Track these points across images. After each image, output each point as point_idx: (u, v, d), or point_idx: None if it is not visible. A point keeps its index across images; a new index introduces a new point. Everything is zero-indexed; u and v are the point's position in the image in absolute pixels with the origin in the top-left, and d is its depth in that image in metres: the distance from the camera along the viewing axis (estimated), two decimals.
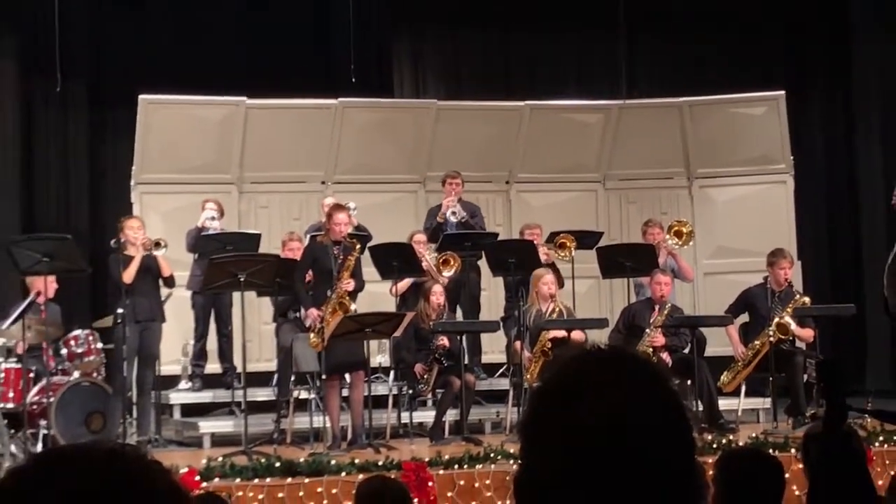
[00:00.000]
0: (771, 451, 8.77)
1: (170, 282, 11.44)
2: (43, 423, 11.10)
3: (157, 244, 11.20)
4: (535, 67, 16.26)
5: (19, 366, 11.27)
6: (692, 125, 15.13)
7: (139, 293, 11.03)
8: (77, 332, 11.74)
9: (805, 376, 11.81)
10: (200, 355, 12.88)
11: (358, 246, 11.09)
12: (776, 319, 11.86)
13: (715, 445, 10.24)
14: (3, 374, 11.28)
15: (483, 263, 13.15)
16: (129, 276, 10.93)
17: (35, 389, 11.40)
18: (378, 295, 12.40)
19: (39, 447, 10.69)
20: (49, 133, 14.94)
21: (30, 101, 14.81)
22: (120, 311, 10.83)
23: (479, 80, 16.00)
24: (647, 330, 11.94)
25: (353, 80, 14.79)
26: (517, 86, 15.86)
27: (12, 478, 1.49)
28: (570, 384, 1.61)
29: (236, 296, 11.81)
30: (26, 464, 1.51)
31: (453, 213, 13.10)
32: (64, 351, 11.69)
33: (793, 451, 9.85)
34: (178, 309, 12.82)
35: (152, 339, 11.21)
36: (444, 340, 11.75)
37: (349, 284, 10.95)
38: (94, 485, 1.45)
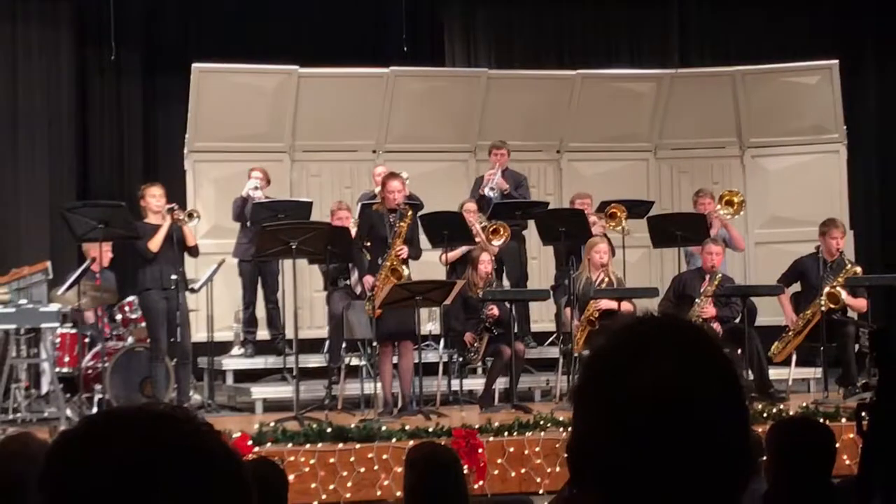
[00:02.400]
0: (822, 420, 8.75)
1: (194, 251, 11.32)
2: (98, 387, 11.25)
3: (191, 215, 11.16)
4: (587, 36, 16.16)
5: (75, 331, 11.41)
6: (745, 94, 15.02)
7: (165, 261, 10.97)
8: (131, 297, 11.84)
9: (857, 346, 11.78)
10: (250, 322, 12.92)
11: (410, 213, 11.11)
12: (827, 289, 11.80)
13: (765, 415, 10.23)
14: (59, 339, 11.42)
15: (528, 233, 13.15)
16: (155, 244, 10.86)
17: (90, 354, 11.54)
18: (428, 263, 12.43)
19: (94, 411, 10.81)
20: (103, 102, 15.05)
21: (84, 71, 14.91)
22: (173, 277, 10.87)
23: (531, 49, 15.94)
24: (698, 300, 11.90)
25: (405, 49, 14.79)
26: (569, 55, 15.80)
27: (63, 441, 1.50)
28: (625, 351, 1.60)
29: (284, 264, 11.84)
30: (77, 427, 1.52)
31: (491, 188, 13.05)
32: (119, 317, 11.81)
33: (843, 420, 9.84)
34: (230, 276, 12.91)
35: (176, 306, 11.12)
36: (493, 309, 11.76)
37: (402, 251, 10.99)
38: (144, 447, 1.45)
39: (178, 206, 11.12)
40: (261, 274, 12.71)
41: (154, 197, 11.05)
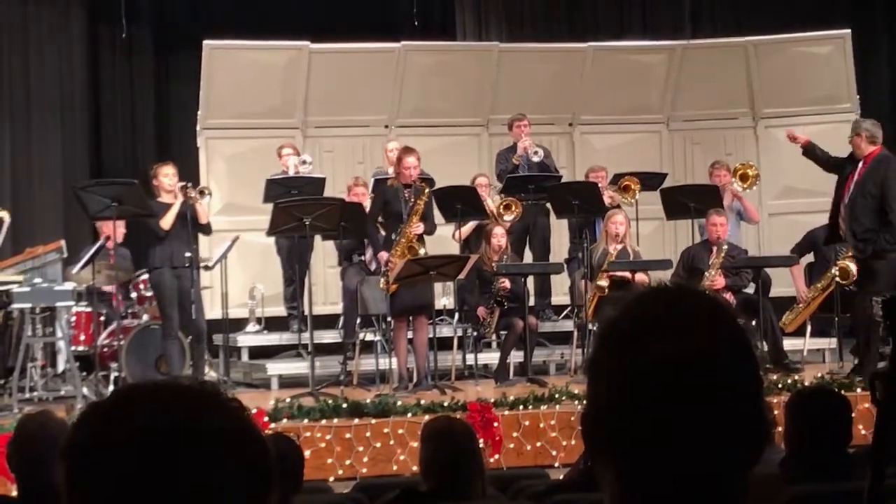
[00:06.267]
0: (837, 390, 8.75)
1: (206, 229, 11.30)
2: (114, 365, 11.28)
3: (202, 192, 11.15)
4: (599, 8, 16.11)
5: (90, 309, 11.43)
6: (757, 65, 14.98)
7: (176, 240, 10.92)
8: (146, 275, 11.87)
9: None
10: (294, 297, 12.85)
11: (427, 189, 11.11)
12: (839, 263, 11.76)
13: (780, 385, 10.24)
14: (74, 318, 11.45)
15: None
16: (167, 222, 10.83)
17: (106, 332, 11.57)
18: (441, 238, 12.43)
19: (111, 389, 10.83)
20: (115, 80, 15.06)
21: (96, 49, 14.91)
22: (187, 254, 10.87)
23: (542, 21, 15.90)
24: (707, 272, 11.88)
25: (416, 23, 14.76)
26: (580, 27, 15.75)
27: (92, 412, 1.51)
28: (640, 321, 1.59)
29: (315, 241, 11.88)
30: (105, 400, 1.52)
31: (536, 152, 13.00)
32: (133, 294, 11.84)
33: (858, 390, 9.83)
34: (245, 253, 12.93)
35: (189, 284, 11.13)
36: (505, 282, 11.77)
37: (418, 228, 10.98)
38: (170, 421, 1.46)
39: (189, 184, 11.12)
40: (299, 250, 12.59)
41: (167, 176, 11.02)
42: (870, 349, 10.76)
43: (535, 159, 12.97)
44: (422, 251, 10.93)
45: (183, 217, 10.89)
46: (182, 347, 11.09)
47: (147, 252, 11.18)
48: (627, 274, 11.73)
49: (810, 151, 11.56)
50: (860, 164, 10.89)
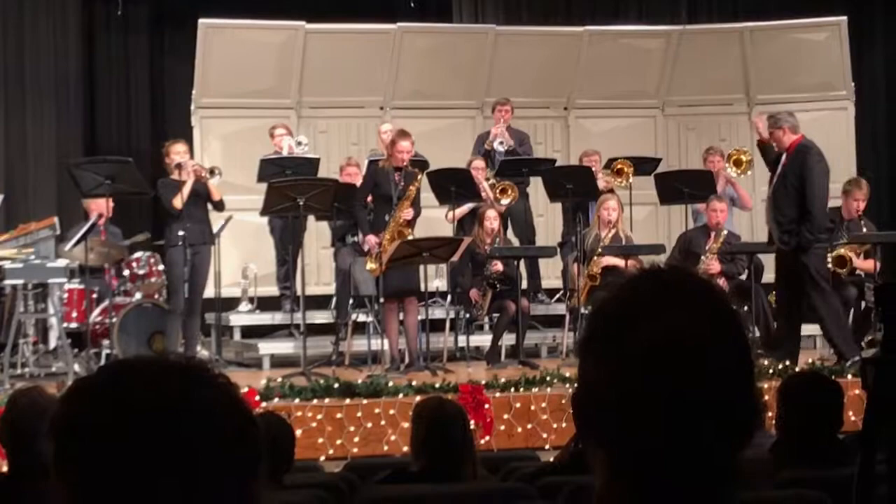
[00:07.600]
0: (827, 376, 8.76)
1: (219, 206, 11.35)
2: (106, 342, 11.29)
3: (212, 172, 11.17)
4: None
5: (83, 286, 11.43)
6: (752, 51, 14.97)
7: (190, 217, 10.97)
8: (139, 253, 11.87)
9: (864, 302, 11.78)
10: (286, 277, 12.85)
11: (420, 175, 11.10)
12: (835, 251, 11.75)
13: (771, 371, 10.25)
14: (66, 295, 11.45)
15: (532, 190, 13.15)
16: (179, 201, 10.89)
17: (98, 310, 11.57)
18: (435, 220, 12.43)
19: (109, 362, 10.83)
20: (110, 58, 15.02)
21: (91, 26, 14.88)
22: (181, 233, 10.88)
23: (539, 5, 15.87)
24: (703, 257, 11.92)
25: (412, 4, 14.73)
26: (577, 10, 15.73)
27: (79, 388, 1.51)
28: (630, 303, 1.59)
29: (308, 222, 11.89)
30: (93, 375, 1.52)
31: (501, 142, 13.05)
32: (126, 272, 11.84)
33: (849, 376, 9.85)
34: (238, 232, 12.91)
35: (202, 262, 11.16)
36: (497, 265, 11.79)
37: (409, 213, 10.97)
38: (158, 397, 1.46)
39: (194, 163, 11.14)
40: (292, 230, 12.59)
41: (178, 154, 11.09)
42: (841, 337, 10.80)
43: (500, 148, 13.00)
44: (410, 236, 10.93)
45: (196, 195, 10.92)
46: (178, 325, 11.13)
47: (163, 230, 11.24)
48: (620, 261, 11.74)
49: (764, 148, 11.46)
50: (783, 156, 10.86)
